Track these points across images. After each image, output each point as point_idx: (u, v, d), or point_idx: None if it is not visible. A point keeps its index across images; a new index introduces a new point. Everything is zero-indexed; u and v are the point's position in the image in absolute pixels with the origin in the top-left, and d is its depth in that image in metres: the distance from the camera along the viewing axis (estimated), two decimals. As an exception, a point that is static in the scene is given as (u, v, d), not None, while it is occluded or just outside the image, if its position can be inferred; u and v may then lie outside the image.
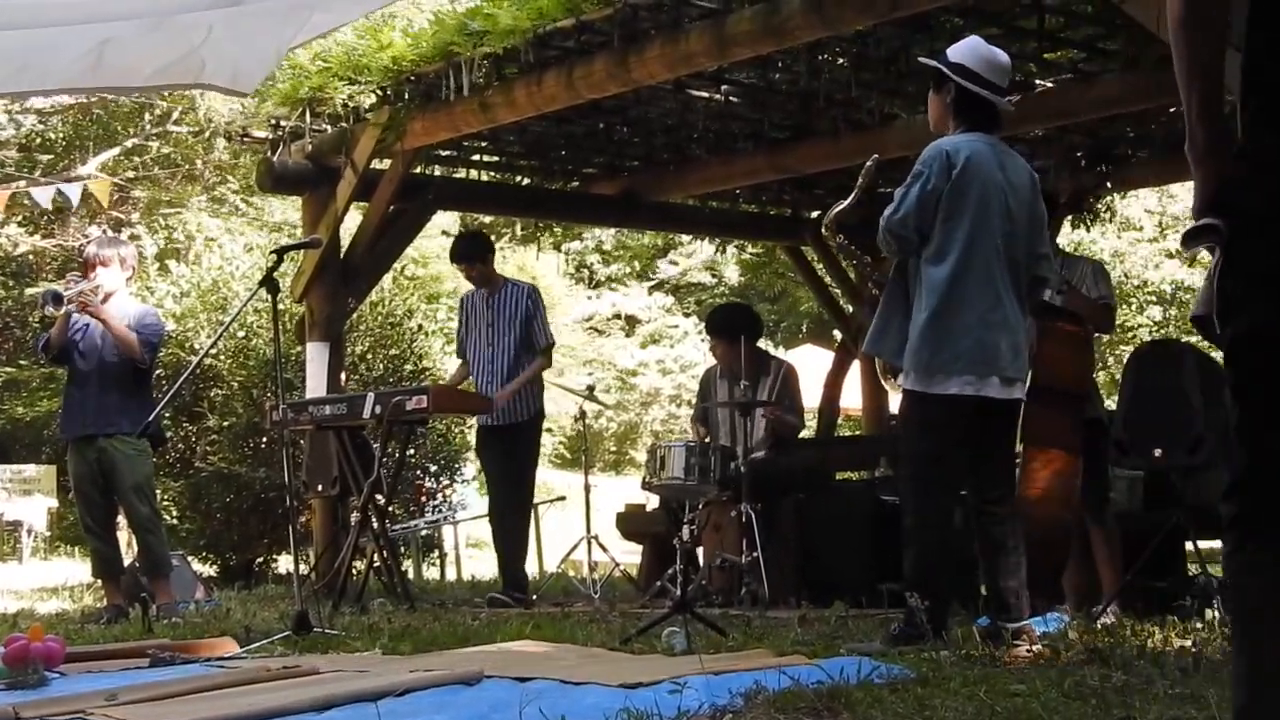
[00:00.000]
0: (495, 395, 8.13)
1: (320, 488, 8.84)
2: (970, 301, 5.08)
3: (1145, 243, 21.92)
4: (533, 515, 12.73)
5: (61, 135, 20.32)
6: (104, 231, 18.30)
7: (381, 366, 11.95)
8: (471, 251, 8.54)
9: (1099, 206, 11.33)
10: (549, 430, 27.64)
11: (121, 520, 8.22)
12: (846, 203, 5.54)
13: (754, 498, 7.34)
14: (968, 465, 5.21)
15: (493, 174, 11.25)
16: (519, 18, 7.82)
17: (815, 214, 12.20)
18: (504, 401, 8.14)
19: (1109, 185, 7.86)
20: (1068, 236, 14.01)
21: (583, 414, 9.45)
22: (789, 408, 8.27)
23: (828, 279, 13.14)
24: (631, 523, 9.49)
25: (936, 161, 5.09)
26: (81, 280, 7.68)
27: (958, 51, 5.26)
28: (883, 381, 5.79)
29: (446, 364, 12.70)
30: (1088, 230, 14.08)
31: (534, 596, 8.34)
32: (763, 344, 8.69)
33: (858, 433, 15.36)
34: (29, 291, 20.14)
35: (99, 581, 8.43)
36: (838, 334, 13.71)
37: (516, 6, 7.91)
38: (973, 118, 5.23)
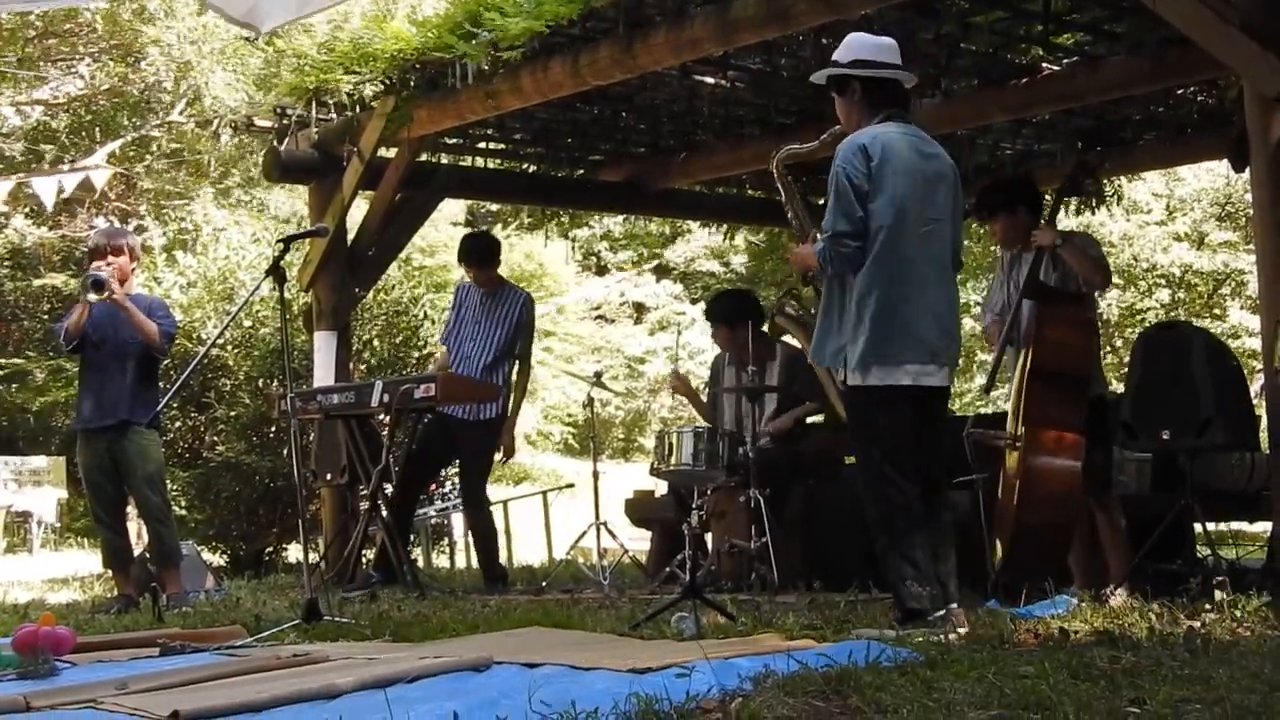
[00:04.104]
0: (504, 429, 8.39)
1: (329, 476, 8.86)
2: (905, 293, 5.12)
3: (1153, 226, 21.87)
4: (542, 501, 12.82)
5: (67, 128, 20.32)
6: (110, 223, 18.33)
7: (388, 355, 11.96)
8: (485, 256, 8.59)
9: (1106, 188, 11.30)
10: (557, 418, 27.68)
11: (131, 510, 8.23)
12: (803, 146, 5.62)
13: (762, 483, 7.34)
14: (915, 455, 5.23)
15: (499, 161, 11.24)
16: (531, 25, 7.80)
17: (821, 200, 12.20)
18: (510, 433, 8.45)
19: (1107, 165, 7.83)
20: (1074, 220, 13.99)
21: (591, 401, 9.44)
22: (798, 393, 8.25)
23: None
24: (640, 509, 9.49)
25: (854, 157, 5.12)
26: (104, 268, 7.66)
27: (848, 51, 5.34)
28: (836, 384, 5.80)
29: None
30: (1094, 213, 14.05)
31: (544, 583, 8.37)
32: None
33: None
34: (36, 283, 20.16)
35: (109, 572, 8.45)
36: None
37: (528, 6, 7.87)
38: (884, 103, 5.29)
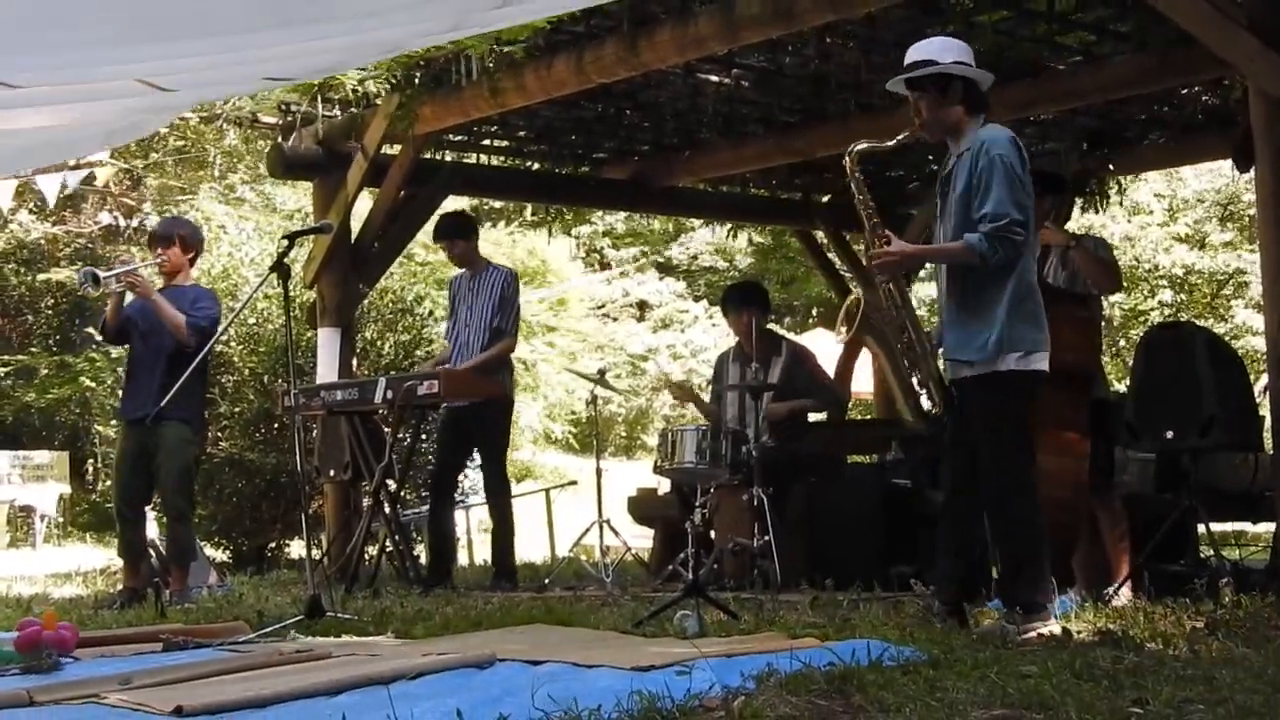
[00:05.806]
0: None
1: (332, 473, 8.86)
2: (1035, 281, 5.23)
3: (1155, 227, 21.84)
4: (545, 499, 12.81)
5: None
6: (114, 218, 18.33)
7: (392, 352, 11.96)
8: (453, 229, 8.60)
9: (1108, 189, 11.29)
10: (560, 416, 27.63)
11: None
12: (880, 144, 5.49)
13: (765, 482, 7.35)
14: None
15: (503, 159, 11.25)
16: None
17: (826, 197, 12.19)
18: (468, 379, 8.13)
19: (1110, 168, 7.81)
20: (1078, 220, 13.99)
21: (594, 399, 9.43)
22: (797, 391, 8.26)
23: (838, 263, 13.13)
24: (643, 507, 9.49)
25: (1016, 150, 5.11)
26: (133, 262, 7.67)
27: (944, 50, 5.26)
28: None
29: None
30: (1097, 213, 14.05)
31: (546, 580, 8.37)
32: (774, 328, 8.70)
33: (869, 416, 15.37)
34: (40, 278, 20.16)
35: (116, 565, 8.43)
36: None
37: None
38: (981, 106, 5.29)
